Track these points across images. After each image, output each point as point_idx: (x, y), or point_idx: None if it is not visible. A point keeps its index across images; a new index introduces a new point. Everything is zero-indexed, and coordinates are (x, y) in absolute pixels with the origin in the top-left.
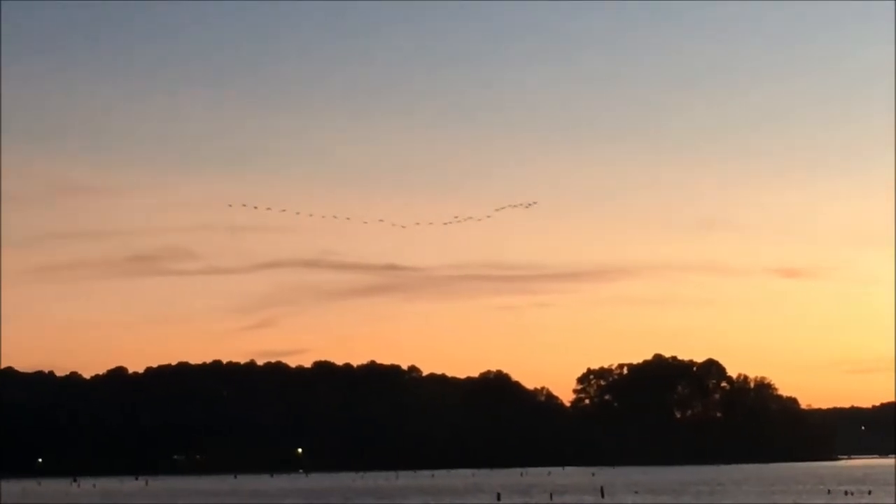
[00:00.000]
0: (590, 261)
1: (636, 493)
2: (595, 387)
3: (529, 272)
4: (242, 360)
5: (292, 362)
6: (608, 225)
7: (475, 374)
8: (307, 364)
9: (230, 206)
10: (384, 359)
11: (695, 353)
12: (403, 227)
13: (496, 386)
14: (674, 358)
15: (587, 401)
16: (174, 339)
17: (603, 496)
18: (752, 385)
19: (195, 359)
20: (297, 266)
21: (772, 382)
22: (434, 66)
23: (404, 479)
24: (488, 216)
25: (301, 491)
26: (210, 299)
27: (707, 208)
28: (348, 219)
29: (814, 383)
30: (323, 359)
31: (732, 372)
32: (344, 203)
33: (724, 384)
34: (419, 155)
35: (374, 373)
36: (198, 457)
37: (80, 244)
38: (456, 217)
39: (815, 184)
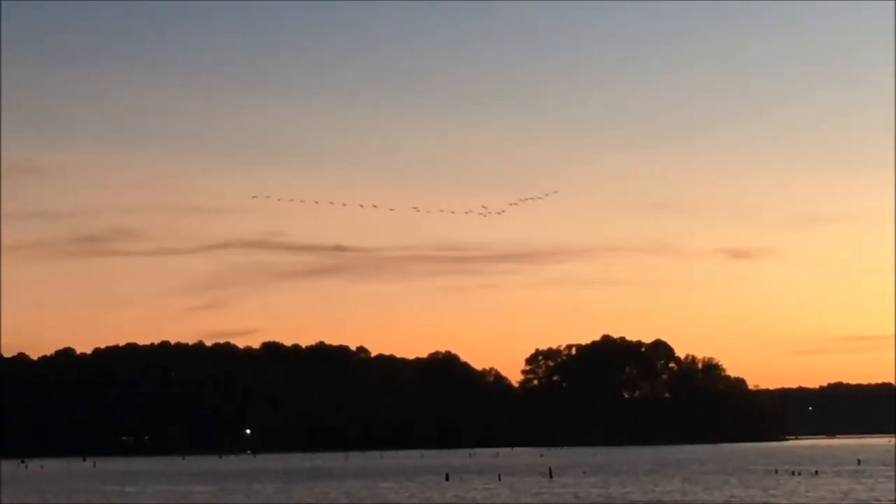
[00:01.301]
0: (538, 242)
1: (584, 473)
2: (543, 367)
3: (478, 253)
4: (190, 342)
5: (240, 343)
6: (556, 206)
7: (424, 354)
8: (255, 345)
9: (254, 197)
10: (333, 339)
11: (643, 333)
12: (430, 211)
13: (445, 367)
14: (622, 339)
15: (535, 381)
16: (122, 320)
17: (551, 477)
18: (699, 366)
19: (143, 340)
20: (244, 247)
21: (719, 363)
22: (377, 49)
23: (353, 459)
24: (503, 210)
25: (249, 472)
26: (158, 280)
27: (656, 190)
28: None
29: (761, 364)
30: (271, 340)
31: (680, 353)
32: (291, 184)
33: (672, 365)
34: (376, 139)
35: (323, 353)
36: (146, 438)
37: (27, 225)
38: (485, 207)
39: (763, 166)
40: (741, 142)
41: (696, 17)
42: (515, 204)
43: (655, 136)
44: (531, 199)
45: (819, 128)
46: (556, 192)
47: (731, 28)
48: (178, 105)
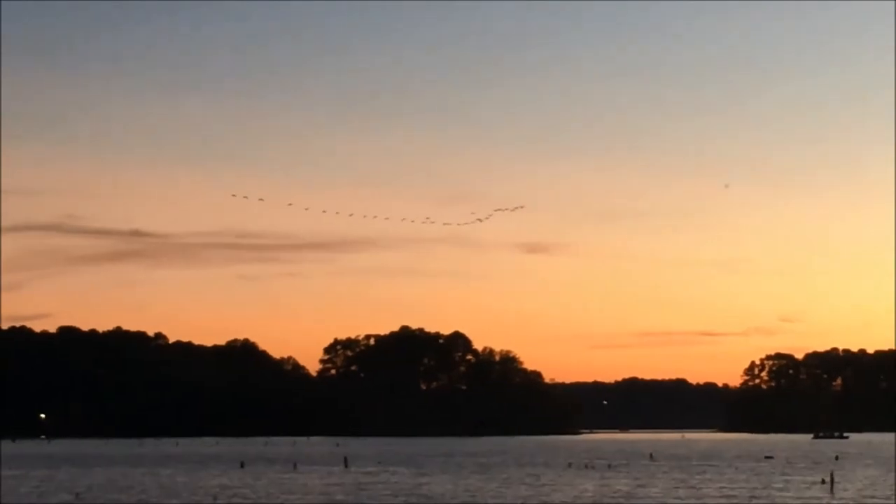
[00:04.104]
0: (338, 231)
1: (379, 463)
2: (342, 357)
3: (277, 241)
4: None
5: (36, 327)
6: (355, 196)
7: (222, 341)
8: (52, 329)
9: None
10: (130, 325)
11: (441, 325)
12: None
13: (243, 354)
14: (420, 330)
15: (333, 371)
16: None
17: (346, 466)
18: (497, 358)
19: None
20: (40, 230)
21: (517, 356)
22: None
23: (148, 446)
24: (485, 219)
25: (40, 457)
26: None
27: (454, 181)
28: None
29: (558, 358)
30: (68, 324)
31: (478, 345)
32: (87, 167)
33: (469, 357)
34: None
35: (120, 339)
36: None
37: None
38: (474, 214)
39: (559, 160)
40: (538, 136)
41: (486, 9)
42: (488, 216)
43: (453, 129)
44: (500, 210)
45: (615, 123)
46: (522, 206)
47: (516, 18)
48: None
